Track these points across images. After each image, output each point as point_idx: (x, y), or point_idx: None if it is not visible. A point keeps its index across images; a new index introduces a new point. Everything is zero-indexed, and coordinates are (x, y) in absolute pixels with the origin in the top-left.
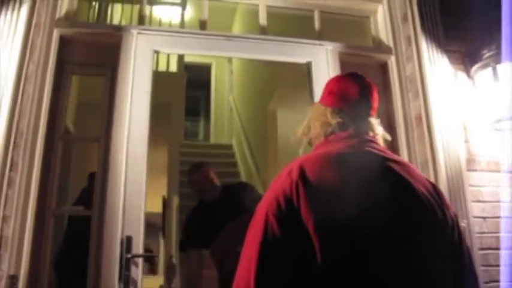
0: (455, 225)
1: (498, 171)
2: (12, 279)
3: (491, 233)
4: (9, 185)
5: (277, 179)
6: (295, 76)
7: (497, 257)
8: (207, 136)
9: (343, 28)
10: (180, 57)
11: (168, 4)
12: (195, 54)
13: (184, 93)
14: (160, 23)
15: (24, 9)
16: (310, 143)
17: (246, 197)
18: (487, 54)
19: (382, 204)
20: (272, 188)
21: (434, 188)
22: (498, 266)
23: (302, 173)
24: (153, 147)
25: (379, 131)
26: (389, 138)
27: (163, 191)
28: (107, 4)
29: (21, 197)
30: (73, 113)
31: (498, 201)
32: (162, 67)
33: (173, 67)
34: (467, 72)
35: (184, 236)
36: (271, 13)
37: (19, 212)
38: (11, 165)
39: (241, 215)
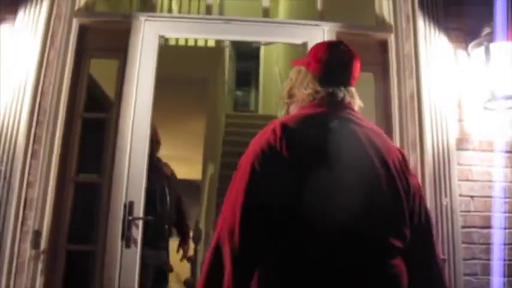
0: (416, 192)
1: (491, 150)
2: (37, 234)
3: (478, 211)
4: (32, 156)
5: (260, 136)
6: None
7: (481, 235)
8: (257, 106)
9: (349, 7)
10: None
11: None
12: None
13: (225, 67)
14: (170, 9)
15: (46, 4)
16: (289, 104)
17: None
18: (484, 32)
19: (338, 155)
20: (256, 142)
21: (403, 157)
22: (481, 244)
23: (284, 128)
24: (194, 119)
25: (356, 100)
26: (361, 105)
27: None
28: None
29: (44, 166)
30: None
31: (489, 181)
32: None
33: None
34: (467, 50)
35: None
36: None
37: (42, 179)
38: (34, 139)
39: None
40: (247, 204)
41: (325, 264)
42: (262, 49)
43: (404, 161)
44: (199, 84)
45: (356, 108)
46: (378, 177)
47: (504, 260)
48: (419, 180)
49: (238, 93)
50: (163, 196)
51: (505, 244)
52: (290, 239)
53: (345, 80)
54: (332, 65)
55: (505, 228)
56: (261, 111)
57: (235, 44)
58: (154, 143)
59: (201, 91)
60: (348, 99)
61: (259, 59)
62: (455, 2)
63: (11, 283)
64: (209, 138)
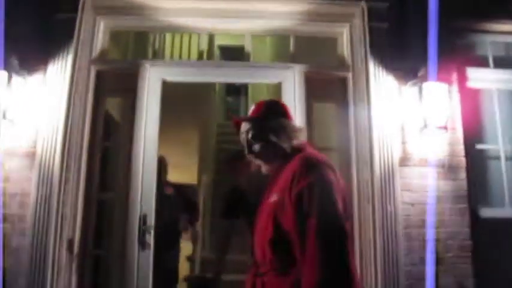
0: (305, 190)
1: (427, 166)
2: (70, 241)
3: (416, 215)
4: (66, 182)
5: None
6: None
7: (419, 234)
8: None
9: (317, 47)
10: (211, 41)
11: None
12: (193, 78)
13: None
14: (181, 53)
15: (70, 57)
16: None
17: None
18: (420, 73)
19: None
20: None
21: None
22: (419, 240)
23: None
24: (189, 129)
25: None
26: None
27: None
28: (129, 40)
29: (74, 188)
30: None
31: (425, 191)
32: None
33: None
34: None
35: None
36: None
37: (73, 199)
38: (67, 168)
39: None
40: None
41: None
42: (249, 44)
43: None
44: (193, 98)
45: None
46: None
47: (435, 253)
48: (370, 192)
49: (229, 99)
50: (171, 209)
51: (436, 240)
52: None
53: None
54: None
55: (436, 228)
56: None
57: (224, 52)
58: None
59: (195, 104)
60: None
61: (244, 54)
62: (400, 46)
63: (54, 281)
64: (203, 147)
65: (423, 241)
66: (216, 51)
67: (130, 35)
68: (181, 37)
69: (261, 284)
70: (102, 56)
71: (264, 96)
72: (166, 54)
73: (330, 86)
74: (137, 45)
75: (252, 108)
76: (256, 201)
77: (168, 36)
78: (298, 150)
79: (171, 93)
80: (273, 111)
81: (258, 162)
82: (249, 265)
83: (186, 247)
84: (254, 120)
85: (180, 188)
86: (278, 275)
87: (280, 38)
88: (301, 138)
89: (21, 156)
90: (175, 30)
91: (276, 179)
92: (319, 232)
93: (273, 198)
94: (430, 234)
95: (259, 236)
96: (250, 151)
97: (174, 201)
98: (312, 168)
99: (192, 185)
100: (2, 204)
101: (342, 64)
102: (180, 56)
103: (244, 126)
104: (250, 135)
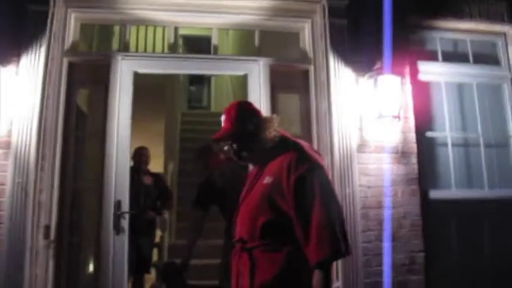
0: (299, 178)
1: (382, 152)
2: (47, 227)
3: (373, 196)
4: (41, 170)
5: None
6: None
7: (375, 213)
8: (210, 102)
9: (281, 41)
10: (176, 32)
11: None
12: (165, 68)
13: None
14: (146, 45)
15: (43, 49)
16: None
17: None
18: (375, 66)
19: None
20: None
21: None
22: (375, 219)
23: None
24: (155, 121)
25: None
26: None
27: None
28: (101, 32)
29: (50, 176)
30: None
31: (381, 175)
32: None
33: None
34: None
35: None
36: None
37: (49, 186)
38: (42, 156)
39: None
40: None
41: None
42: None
43: None
44: (158, 88)
45: None
46: None
47: (389, 230)
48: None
49: (192, 88)
50: (148, 197)
51: (391, 219)
52: None
53: None
54: None
55: (391, 208)
56: (213, 108)
57: (187, 43)
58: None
59: (160, 95)
60: None
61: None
62: (358, 41)
63: (33, 264)
64: (168, 136)
65: (379, 220)
66: (181, 43)
67: (95, 27)
68: (146, 29)
69: (249, 258)
70: (74, 48)
71: (227, 84)
72: (135, 46)
73: (293, 78)
74: (101, 37)
75: (223, 118)
76: (231, 189)
77: (135, 29)
78: (279, 138)
79: (137, 84)
80: (244, 116)
81: (249, 163)
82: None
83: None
84: (232, 135)
85: (158, 177)
86: (270, 251)
87: (245, 31)
88: (275, 125)
89: None
90: (143, 23)
91: (265, 164)
92: (324, 210)
93: (266, 180)
94: (386, 213)
95: (248, 214)
96: (240, 158)
97: (152, 190)
98: (307, 155)
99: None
100: None
101: (304, 57)
102: (145, 49)
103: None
104: (235, 147)
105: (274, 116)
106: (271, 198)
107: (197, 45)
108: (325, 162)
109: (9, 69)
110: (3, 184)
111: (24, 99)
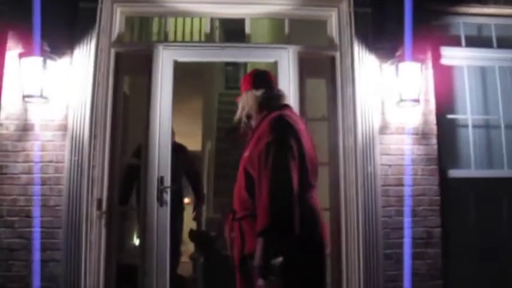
0: (265, 147)
1: (403, 133)
2: (99, 201)
3: (393, 175)
4: (94, 148)
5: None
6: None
7: (395, 191)
8: None
9: (309, 29)
10: (212, 22)
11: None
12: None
13: None
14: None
15: (94, 41)
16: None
17: None
18: (397, 53)
19: None
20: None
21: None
22: (395, 196)
23: None
24: (194, 100)
25: None
26: None
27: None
28: (147, 23)
29: (101, 154)
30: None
31: (401, 154)
32: (196, 33)
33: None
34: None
35: None
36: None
37: (100, 163)
38: (94, 136)
39: None
40: None
41: None
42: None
43: None
44: (197, 70)
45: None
46: None
47: (408, 206)
48: (353, 155)
49: (229, 68)
50: (181, 172)
51: (410, 196)
52: None
53: None
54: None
55: (411, 185)
56: None
57: (223, 23)
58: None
59: (199, 75)
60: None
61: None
62: (381, 28)
63: (88, 232)
64: (205, 116)
65: (398, 197)
66: (218, 25)
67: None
68: (184, 20)
69: (238, 227)
70: (120, 40)
71: (260, 66)
72: (173, 36)
73: (320, 64)
74: (141, 27)
75: (242, 83)
76: None
77: (173, 20)
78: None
79: (177, 67)
80: (258, 81)
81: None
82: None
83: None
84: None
85: (180, 148)
86: (253, 219)
87: (276, 21)
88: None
89: (54, 129)
90: (181, 14)
91: (251, 137)
92: (270, 185)
93: (246, 153)
94: (405, 190)
95: (237, 187)
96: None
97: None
98: (274, 128)
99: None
100: (40, 169)
101: (330, 44)
102: (183, 38)
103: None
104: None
105: (284, 94)
106: (247, 171)
107: (234, 34)
108: (302, 127)
109: (64, 61)
110: (61, 162)
111: (78, 86)
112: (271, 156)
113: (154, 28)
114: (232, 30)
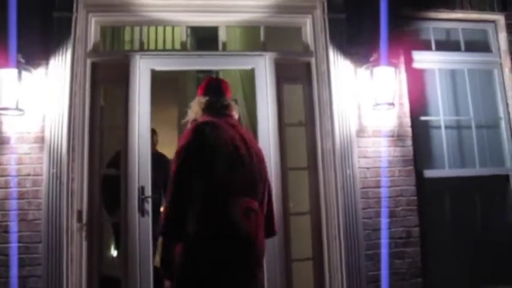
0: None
1: (379, 136)
2: (79, 213)
3: (372, 177)
4: (73, 160)
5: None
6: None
7: (374, 193)
8: None
9: (284, 35)
10: (187, 31)
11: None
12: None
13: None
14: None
15: (69, 51)
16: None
17: None
18: (372, 58)
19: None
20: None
21: (245, 137)
22: (374, 198)
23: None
24: (169, 109)
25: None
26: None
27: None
28: (119, 32)
29: (80, 166)
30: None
31: (378, 157)
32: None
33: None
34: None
35: None
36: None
37: (79, 175)
38: (73, 149)
39: None
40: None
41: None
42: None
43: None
44: (170, 78)
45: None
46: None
47: (387, 207)
48: (332, 159)
49: (200, 76)
50: (161, 181)
51: (388, 197)
52: None
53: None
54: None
55: (389, 187)
56: None
57: (194, 30)
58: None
59: (173, 83)
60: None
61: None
62: (356, 34)
63: (69, 245)
64: (180, 123)
65: (377, 198)
66: (189, 32)
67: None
68: (156, 29)
69: None
70: (95, 49)
71: (234, 71)
72: (148, 44)
73: (297, 70)
74: (113, 37)
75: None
76: None
77: (147, 28)
78: None
79: (153, 76)
80: (207, 88)
81: None
82: None
83: None
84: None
85: (161, 157)
86: None
87: (248, 28)
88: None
89: (31, 141)
90: (157, 23)
91: None
92: (168, 192)
93: None
94: (384, 192)
95: None
96: None
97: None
98: (185, 136)
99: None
100: (17, 183)
101: (306, 50)
102: (156, 46)
103: None
104: None
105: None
106: None
107: (207, 42)
108: (236, 136)
109: (40, 72)
110: (40, 175)
111: (54, 97)
112: (173, 164)
113: (127, 36)
114: (203, 38)
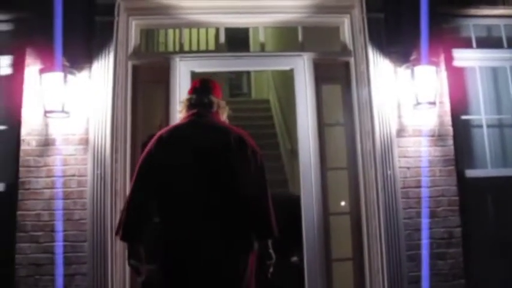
0: (253, 152)
1: (420, 136)
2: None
3: (412, 177)
4: (116, 161)
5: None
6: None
7: (415, 193)
8: (250, 89)
9: (322, 35)
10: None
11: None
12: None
13: None
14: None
15: (111, 55)
16: None
17: None
18: (412, 57)
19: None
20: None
21: (240, 137)
22: (415, 198)
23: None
24: None
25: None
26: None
27: None
28: (153, 34)
29: (122, 166)
30: None
31: (419, 156)
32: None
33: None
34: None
35: None
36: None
37: (122, 176)
38: (116, 150)
39: None
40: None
41: None
42: (251, 34)
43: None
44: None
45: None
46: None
47: (428, 207)
48: (372, 159)
49: (231, 76)
50: None
51: (429, 197)
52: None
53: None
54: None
55: (430, 187)
56: (254, 95)
57: (227, 31)
58: None
59: None
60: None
61: (248, 44)
62: (395, 33)
63: (113, 243)
64: None
65: (418, 198)
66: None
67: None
68: (190, 31)
69: None
70: (136, 52)
71: (266, 75)
72: (186, 46)
73: (335, 70)
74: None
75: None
76: None
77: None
78: None
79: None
80: (196, 87)
81: None
82: None
83: None
84: None
85: None
86: None
87: (286, 29)
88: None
89: (76, 143)
90: (195, 25)
91: None
92: None
93: None
94: (424, 192)
95: None
96: None
97: None
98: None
99: None
100: (63, 183)
101: (344, 50)
102: (190, 47)
103: None
104: None
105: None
106: None
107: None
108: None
109: (83, 75)
110: (84, 175)
111: (97, 100)
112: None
113: (161, 38)
114: (233, 39)
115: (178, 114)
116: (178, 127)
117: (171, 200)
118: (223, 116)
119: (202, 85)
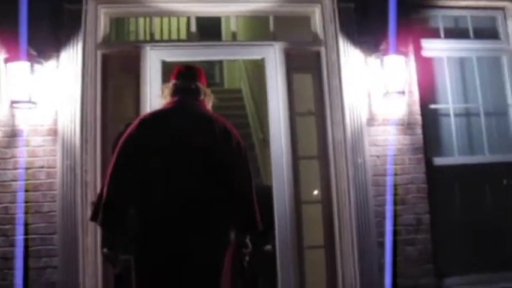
0: (238, 144)
1: (388, 125)
2: (93, 204)
3: (382, 165)
4: (86, 152)
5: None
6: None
7: (384, 180)
8: (222, 79)
9: (293, 24)
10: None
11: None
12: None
13: None
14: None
15: (80, 43)
16: None
17: None
18: (381, 47)
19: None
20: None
21: (225, 128)
22: (384, 186)
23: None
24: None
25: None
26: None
27: None
28: (123, 23)
29: (92, 157)
30: None
31: (388, 145)
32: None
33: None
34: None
35: None
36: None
37: (93, 167)
38: (86, 140)
39: None
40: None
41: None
42: (223, 24)
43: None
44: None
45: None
46: None
47: (398, 195)
48: (343, 147)
49: (203, 65)
50: None
51: (399, 185)
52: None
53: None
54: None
55: (399, 175)
56: (226, 85)
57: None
58: None
59: None
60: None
61: (220, 34)
62: (365, 23)
63: (84, 235)
64: None
65: (388, 186)
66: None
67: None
68: (161, 19)
69: None
70: (105, 41)
71: (239, 64)
72: (157, 35)
73: (307, 59)
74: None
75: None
76: None
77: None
78: None
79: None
80: (179, 73)
81: None
82: None
83: None
84: None
85: None
86: None
87: (258, 18)
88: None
89: (44, 133)
90: (165, 14)
91: None
92: None
93: None
94: (394, 180)
95: None
96: None
97: None
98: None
99: None
100: (31, 175)
101: (315, 39)
102: (161, 36)
103: None
104: None
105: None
106: None
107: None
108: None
109: (51, 64)
110: (53, 167)
111: (66, 89)
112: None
113: (132, 27)
114: (205, 28)
115: (161, 99)
116: (162, 112)
117: (149, 187)
118: (209, 105)
119: (188, 71)
